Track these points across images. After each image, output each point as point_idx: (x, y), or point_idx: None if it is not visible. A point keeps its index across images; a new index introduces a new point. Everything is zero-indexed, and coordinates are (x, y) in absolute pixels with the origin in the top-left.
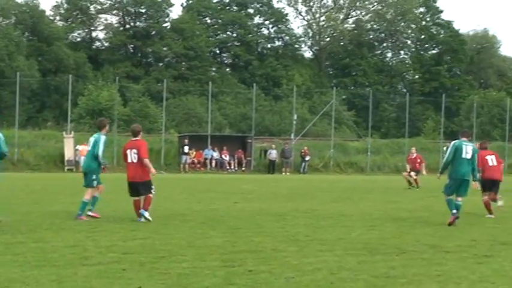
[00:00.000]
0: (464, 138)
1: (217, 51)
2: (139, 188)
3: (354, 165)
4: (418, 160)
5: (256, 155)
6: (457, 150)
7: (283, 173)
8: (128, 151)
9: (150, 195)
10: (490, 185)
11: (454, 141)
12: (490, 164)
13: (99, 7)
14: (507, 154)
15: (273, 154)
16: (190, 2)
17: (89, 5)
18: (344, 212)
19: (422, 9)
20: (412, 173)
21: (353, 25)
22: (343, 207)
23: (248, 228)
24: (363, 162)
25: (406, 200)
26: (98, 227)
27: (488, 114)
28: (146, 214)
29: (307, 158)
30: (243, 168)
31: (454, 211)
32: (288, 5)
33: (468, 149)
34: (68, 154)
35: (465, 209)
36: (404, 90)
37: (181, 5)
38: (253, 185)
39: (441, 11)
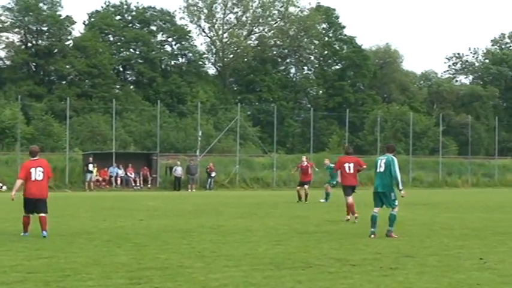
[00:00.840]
0: (388, 153)
1: (121, 69)
2: (39, 205)
3: (259, 180)
4: (310, 170)
5: (161, 172)
6: (375, 165)
7: (189, 190)
8: (33, 169)
9: (46, 214)
10: (348, 191)
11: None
12: (347, 171)
13: (0, 25)
14: (411, 168)
15: (179, 171)
16: (93, 20)
17: None
18: (250, 227)
19: (324, 25)
20: (306, 186)
21: (256, 41)
22: (249, 223)
23: (154, 245)
24: (268, 177)
25: (313, 214)
26: (1, 246)
27: (392, 128)
28: (46, 233)
29: (213, 174)
30: (149, 186)
31: (372, 229)
32: (191, 21)
33: (381, 163)
34: None
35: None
36: (309, 105)
37: (84, 23)
38: (159, 202)
39: (343, 27)
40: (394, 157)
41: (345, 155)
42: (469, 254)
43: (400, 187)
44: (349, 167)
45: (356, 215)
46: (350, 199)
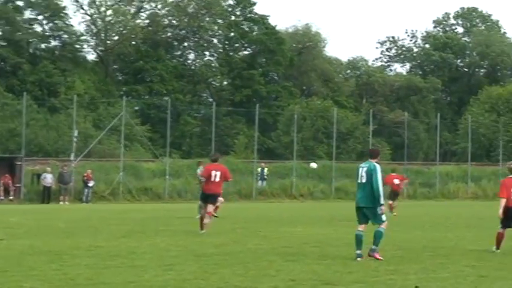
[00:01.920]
0: (371, 160)
1: None
2: None
3: (148, 191)
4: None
5: (27, 180)
6: (356, 175)
7: (61, 202)
8: None
9: None
10: (210, 199)
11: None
12: (212, 179)
13: None
14: (334, 176)
15: (48, 179)
16: None
17: None
18: (135, 249)
19: (231, 2)
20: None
21: (147, 20)
22: (135, 243)
23: (16, 271)
24: (159, 187)
25: (213, 233)
26: None
27: (312, 127)
28: None
29: (90, 184)
30: (11, 197)
31: (358, 251)
32: None
33: (363, 172)
34: None
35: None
36: (211, 99)
37: None
38: (23, 218)
39: (254, 3)
40: (377, 164)
41: (211, 163)
42: (402, 281)
43: (381, 201)
44: (215, 175)
45: (207, 220)
46: (210, 207)
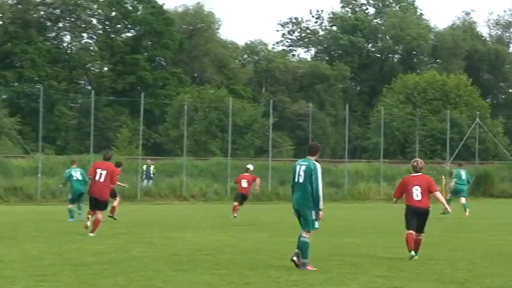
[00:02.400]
0: (310, 157)
1: None
2: None
3: (18, 191)
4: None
5: None
6: (293, 173)
7: None
8: None
9: None
10: (98, 206)
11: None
12: (97, 178)
13: None
14: (230, 175)
15: None
16: None
17: None
18: (3, 256)
19: None
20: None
21: None
22: (3, 250)
23: None
24: (31, 187)
25: (91, 239)
26: None
27: (205, 119)
28: None
29: None
30: None
31: (295, 258)
32: None
33: (301, 171)
34: None
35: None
36: (89, 87)
37: None
38: None
39: None
40: (316, 163)
41: (103, 161)
42: None
43: (320, 205)
44: (100, 174)
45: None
46: (99, 214)
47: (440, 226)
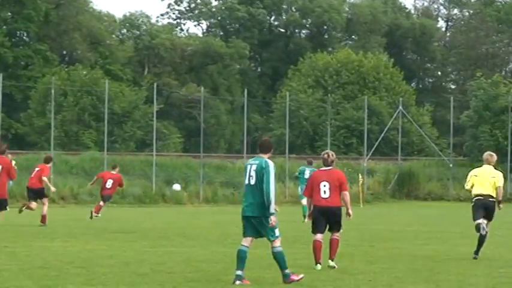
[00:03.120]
0: (262, 155)
1: None
2: None
3: None
4: None
5: None
6: (244, 173)
7: None
8: None
9: None
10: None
11: None
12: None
13: None
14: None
15: None
16: None
17: None
18: None
19: None
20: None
21: None
22: None
23: None
24: None
25: None
26: None
27: (76, 106)
28: None
29: None
30: None
31: (238, 272)
32: None
33: (251, 171)
34: None
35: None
36: None
37: None
38: None
39: None
40: (270, 161)
41: None
42: None
43: (272, 210)
44: None
45: None
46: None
47: (357, 234)
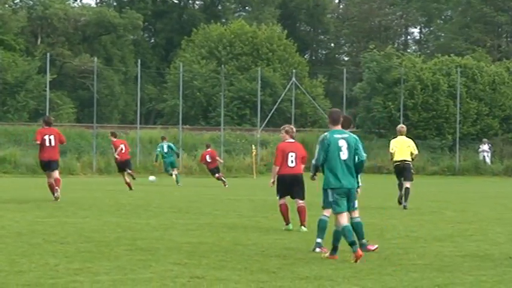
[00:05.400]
0: (340, 128)
1: None
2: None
3: None
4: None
5: None
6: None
7: None
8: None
9: None
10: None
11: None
12: (47, 144)
13: None
14: None
15: None
16: None
17: None
18: None
19: None
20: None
21: None
22: None
23: None
24: None
25: None
26: None
27: None
28: None
29: None
30: None
31: (319, 240)
32: None
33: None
34: None
35: None
36: None
37: None
38: None
39: None
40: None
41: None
42: (90, 284)
43: (360, 181)
44: (50, 139)
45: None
46: (56, 173)
47: (250, 205)
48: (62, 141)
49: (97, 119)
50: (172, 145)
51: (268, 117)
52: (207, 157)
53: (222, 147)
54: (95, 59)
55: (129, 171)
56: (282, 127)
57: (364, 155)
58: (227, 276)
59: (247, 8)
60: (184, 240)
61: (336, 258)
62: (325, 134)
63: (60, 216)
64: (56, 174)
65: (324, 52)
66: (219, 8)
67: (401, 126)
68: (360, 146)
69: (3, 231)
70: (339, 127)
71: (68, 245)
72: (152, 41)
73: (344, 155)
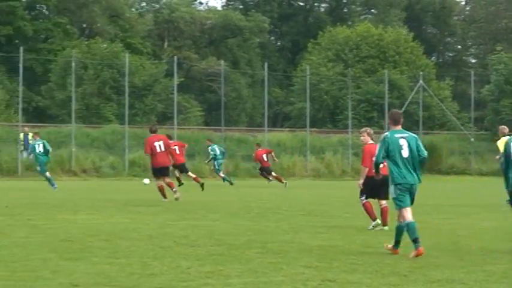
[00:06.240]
0: (400, 128)
1: None
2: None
3: None
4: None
5: None
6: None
7: None
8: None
9: None
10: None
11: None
12: (158, 150)
13: None
14: (128, 145)
15: None
16: None
17: None
18: None
19: None
20: None
21: None
22: None
23: None
24: None
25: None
26: None
27: (96, 79)
28: None
29: None
30: None
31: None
32: None
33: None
34: None
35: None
36: None
37: None
38: None
39: None
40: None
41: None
42: (221, 287)
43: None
44: (159, 145)
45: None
46: (167, 179)
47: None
48: (168, 146)
49: (225, 122)
50: (222, 148)
51: None
52: (264, 156)
53: (350, 150)
54: (222, 62)
55: (177, 174)
56: (363, 129)
57: (426, 152)
58: (358, 279)
59: (372, 10)
60: (315, 243)
61: (397, 252)
62: (386, 133)
63: (190, 219)
64: (168, 179)
65: (450, 54)
66: (345, 10)
67: (503, 127)
68: (420, 144)
69: (135, 234)
70: (399, 127)
71: (199, 247)
72: (278, 43)
73: (405, 152)
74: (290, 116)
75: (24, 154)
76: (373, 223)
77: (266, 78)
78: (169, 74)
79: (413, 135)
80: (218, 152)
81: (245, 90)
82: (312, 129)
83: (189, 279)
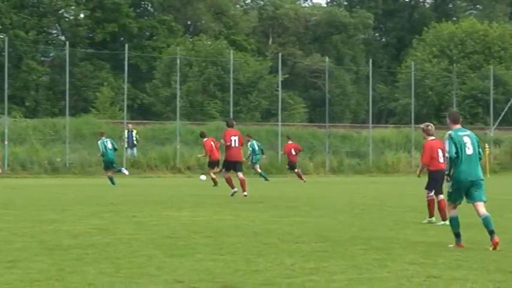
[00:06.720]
0: (460, 126)
1: None
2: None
3: None
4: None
5: None
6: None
7: None
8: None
9: None
10: (237, 167)
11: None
12: (233, 145)
13: None
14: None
15: None
16: None
17: None
18: None
19: None
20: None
21: None
22: None
23: None
24: None
25: (67, 217)
26: None
27: (201, 76)
28: None
29: None
30: None
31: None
32: None
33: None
34: None
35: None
36: (63, 37)
37: None
38: None
39: None
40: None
41: (229, 128)
42: (326, 283)
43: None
44: (235, 140)
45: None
46: (240, 175)
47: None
48: (242, 143)
49: (329, 119)
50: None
51: (501, 115)
52: (292, 150)
53: None
54: (326, 58)
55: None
56: (424, 124)
57: (481, 151)
58: (463, 275)
59: (478, 6)
60: (420, 239)
61: (463, 246)
62: (450, 132)
63: (294, 215)
64: (240, 175)
65: None
66: (450, 6)
67: None
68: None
69: (239, 230)
70: (459, 126)
71: (303, 244)
72: (383, 40)
73: (469, 150)
74: (394, 112)
75: (129, 151)
76: (429, 219)
77: (370, 75)
78: (273, 71)
79: (473, 133)
80: (256, 148)
81: (349, 86)
82: (417, 126)
83: (293, 276)
